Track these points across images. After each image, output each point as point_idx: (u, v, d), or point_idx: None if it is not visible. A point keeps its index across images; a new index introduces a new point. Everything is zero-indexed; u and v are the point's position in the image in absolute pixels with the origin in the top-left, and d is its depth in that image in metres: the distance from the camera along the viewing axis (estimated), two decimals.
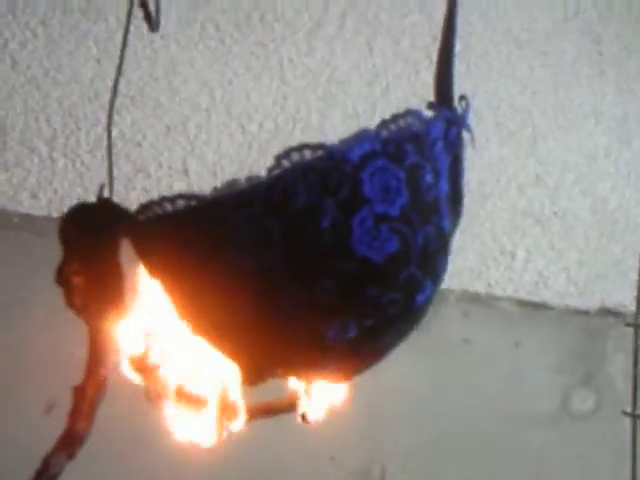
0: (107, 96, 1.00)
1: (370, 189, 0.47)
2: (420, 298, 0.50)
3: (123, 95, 0.99)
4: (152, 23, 0.49)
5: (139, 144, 1.01)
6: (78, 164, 1.00)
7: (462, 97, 0.55)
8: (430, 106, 0.53)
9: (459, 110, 0.54)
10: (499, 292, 1.15)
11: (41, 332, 0.97)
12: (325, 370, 0.50)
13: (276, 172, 0.46)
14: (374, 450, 1.10)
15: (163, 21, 1.02)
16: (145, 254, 0.47)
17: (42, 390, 0.96)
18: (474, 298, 1.15)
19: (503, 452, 1.14)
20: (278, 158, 0.46)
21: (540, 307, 1.17)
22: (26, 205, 0.99)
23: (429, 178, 0.50)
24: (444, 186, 0.52)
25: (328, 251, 0.46)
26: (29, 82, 0.98)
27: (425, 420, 1.12)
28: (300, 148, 0.46)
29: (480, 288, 1.15)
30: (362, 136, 0.48)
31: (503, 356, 1.15)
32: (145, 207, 0.46)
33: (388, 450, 1.11)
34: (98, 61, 0.99)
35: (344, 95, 1.07)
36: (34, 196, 1.00)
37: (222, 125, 1.03)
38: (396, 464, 1.11)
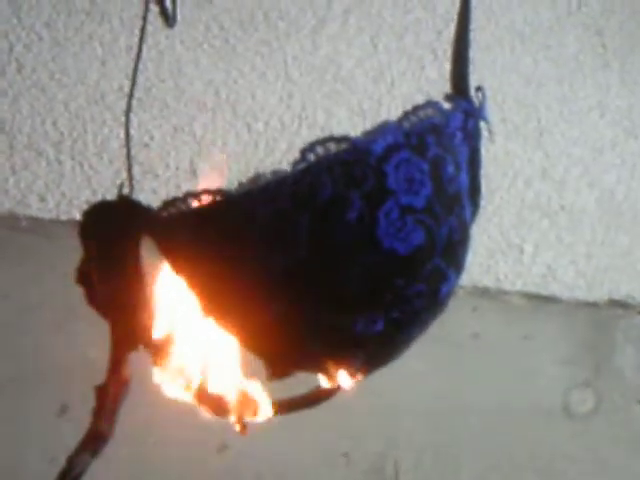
0: (113, 98, 1.00)
1: (395, 181, 0.46)
2: (445, 289, 0.50)
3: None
4: (169, 19, 0.49)
5: (146, 145, 1.01)
6: (86, 166, 1.00)
7: (478, 88, 0.54)
8: (447, 97, 0.53)
9: (476, 101, 0.54)
10: (508, 286, 1.15)
11: (52, 335, 0.96)
12: (352, 363, 0.50)
13: (301, 166, 0.46)
14: (387, 447, 1.10)
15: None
16: (169, 250, 0.47)
17: (55, 392, 0.96)
18: (483, 293, 1.15)
19: (515, 446, 1.14)
20: (303, 151, 0.46)
21: (549, 300, 1.17)
22: (34, 208, 0.99)
23: (451, 170, 0.50)
24: (464, 178, 0.52)
25: (355, 243, 0.46)
26: (35, 85, 0.98)
27: (437, 416, 1.12)
28: (324, 141, 0.46)
29: (489, 282, 1.15)
30: (385, 128, 0.47)
31: (513, 350, 1.15)
32: (168, 204, 0.46)
33: (401, 447, 1.11)
34: (103, 63, 0.99)
35: (349, 92, 1.07)
36: (42, 199, 0.99)
37: (228, 124, 1.03)
38: (409, 460, 1.11)
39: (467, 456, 1.13)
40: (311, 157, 0.46)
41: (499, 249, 1.15)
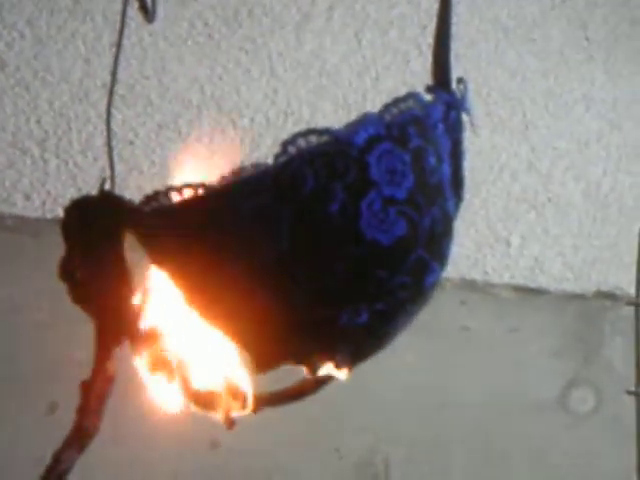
0: (97, 95, 1.00)
1: (377, 172, 0.47)
2: (429, 280, 0.50)
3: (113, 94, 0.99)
4: (148, 14, 0.49)
5: (131, 142, 1.01)
6: (71, 164, 1.00)
7: (460, 80, 0.55)
8: (429, 89, 0.53)
9: (457, 93, 0.54)
10: (495, 279, 1.16)
11: (40, 334, 0.96)
12: (337, 355, 0.50)
13: (283, 158, 0.46)
14: (377, 441, 1.10)
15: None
16: (152, 245, 0.47)
17: (44, 392, 0.95)
18: (471, 286, 1.15)
19: (506, 439, 1.15)
20: (284, 144, 0.46)
21: (537, 292, 1.18)
22: (20, 207, 0.99)
23: (432, 161, 0.50)
24: (446, 169, 0.52)
25: (337, 235, 0.46)
26: (18, 83, 0.97)
27: (427, 409, 1.12)
28: (306, 133, 0.46)
29: (476, 275, 1.15)
30: (367, 120, 0.47)
31: (502, 342, 1.16)
32: (150, 198, 0.46)
33: (391, 441, 1.11)
34: (87, 61, 0.98)
35: (334, 87, 1.07)
36: (27, 198, 0.99)
37: (213, 121, 1.03)
38: (399, 454, 1.11)
39: (458, 449, 1.13)
40: (292, 150, 0.46)
41: (486, 242, 1.16)
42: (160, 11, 1.01)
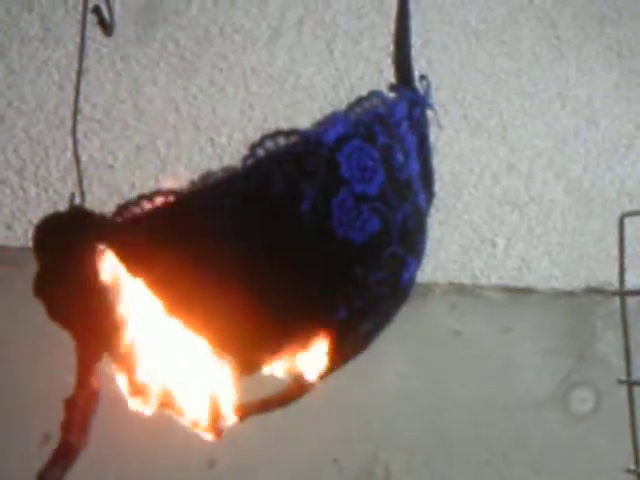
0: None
1: (347, 169, 0.47)
2: (405, 276, 0.50)
3: (90, 119, 0.99)
4: (106, 28, 0.49)
5: (110, 166, 1.01)
6: (50, 192, 1.00)
7: (422, 77, 0.55)
8: (391, 88, 0.53)
9: (420, 90, 0.54)
10: (484, 281, 1.16)
11: (29, 364, 0.95)
12: (318, 355, 0.50)
13: (251, 161, 0.46)
14: (376, 449, 1.10)
15: (122, 42, 1.02)
16: (126, 256, 0.47)
17: (37, 422, 0.94)
18: (460, 289, 1.15)
19: (506, 440, 1.14)
20: (252, 147, 0.46)
21: (526, 292, 1.18)
22: (1, 237, 0.98)
23: (399, 157, 0.50)
24: (414, 165, 0.52)
25: (309, 235, 0.46)
26: None
27: (425, 416, 1.11)
28: (273, 135, 0.47)
29: (465, 279, 1.15)
30: (334, 119, 0.48)
31: (495, 344, 1.15)
32: (122, 208, 0.46)
33: (390, 448, 1.10)
34: (61, 87, 0.99)
35: (310, 100, 1.08)
36: (9, 228, 0.99)
37: (191, 140, 1.03)
38: (400, 462, 1.11)
39: (458, 453, 1.13)
40: (260, 152, 0.47)
41: (472, 245, 1.16)
42: (131, 34, 1.02)
